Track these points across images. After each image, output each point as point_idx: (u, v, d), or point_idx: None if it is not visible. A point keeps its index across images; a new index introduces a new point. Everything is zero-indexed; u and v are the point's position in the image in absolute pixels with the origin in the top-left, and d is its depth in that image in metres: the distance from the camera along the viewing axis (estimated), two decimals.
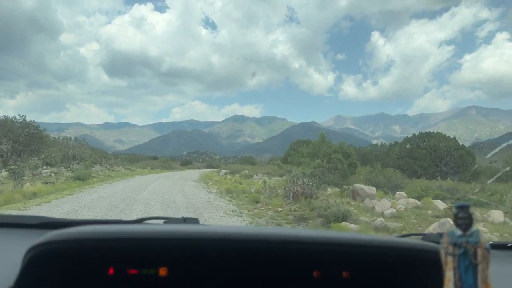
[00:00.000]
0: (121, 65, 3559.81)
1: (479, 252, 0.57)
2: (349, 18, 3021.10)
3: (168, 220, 1.53)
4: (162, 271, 0.90)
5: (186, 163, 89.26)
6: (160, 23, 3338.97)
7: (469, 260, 0.57)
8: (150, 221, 1.54)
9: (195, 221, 1.51)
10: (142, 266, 0.90)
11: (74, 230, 0.83)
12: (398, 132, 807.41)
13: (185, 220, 1.49)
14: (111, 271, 0.90)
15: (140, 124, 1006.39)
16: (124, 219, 2.08)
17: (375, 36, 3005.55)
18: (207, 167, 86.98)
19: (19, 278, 0.81)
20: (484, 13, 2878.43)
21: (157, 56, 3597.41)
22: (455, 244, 0.58)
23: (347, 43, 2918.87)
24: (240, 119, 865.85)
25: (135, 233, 0.84)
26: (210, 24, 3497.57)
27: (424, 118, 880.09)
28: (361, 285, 0.99)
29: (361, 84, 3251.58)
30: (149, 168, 52.89)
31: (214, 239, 0.86)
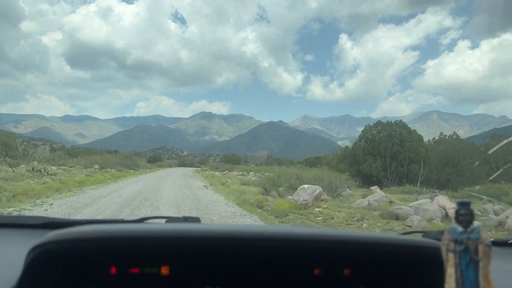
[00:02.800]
0: (85, 56, 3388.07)
1: (480, 248, 0.57)
2: (319, 20, 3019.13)
3: (170, 219, 1.51)
4: (164, 270, 0.91)
5: (154, 160, 78.87)
6: (127, 14, 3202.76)
7: (470, 257, 0.57)
8: (151, 221, 1.53)
9: (196, 220, 1.49)
10: (144, 265, 0.91)
11: (76, 230, 0.83)
12: None
13: (186, 219, 1.48)
14: (113, 270, 0.90)
15: (103, 118, 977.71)
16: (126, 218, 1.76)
17: (343, 39, 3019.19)
18: (179, 165, 79.54)
19: (21, 278, 0.82)
20: (448, 21, 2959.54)
21: (123, 48, 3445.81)
22: (456, 241, 0.58)
23: (316, 44, 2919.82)
24: (208, 116, 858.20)
25: (136, 232, 0.84)
26: (179, 19, 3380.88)
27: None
28: (363, 282, 0.99)
29: (328, 85, 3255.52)
30: (95, 167, 33.22)
31: (215, 238, 0.86)
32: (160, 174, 36.77)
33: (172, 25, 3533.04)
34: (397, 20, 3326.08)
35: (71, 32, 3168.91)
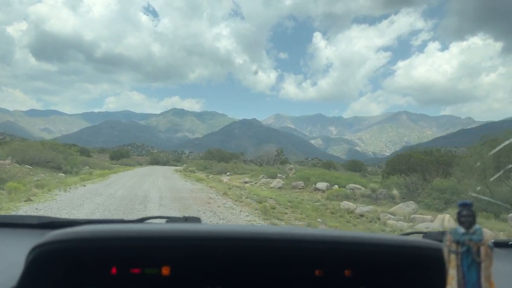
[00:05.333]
0: (51, 48, 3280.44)
1: (482, 249, 0.57)
2: (293, 18, 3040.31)
3: (170, 219, 1.51)
4: (165, 270, 0.92)
5: (119, 156, 66.39)
6: (97, 5, 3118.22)
7: (472, 258, 0.57)
8: (152, 221, 1.53)
9: (197, 220, 1.48)
10: (145, 266, 0.92)
11: (77, 230, 0.84)
12: (334, 133, 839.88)
13: (186, 219, 1.48)
14: (113, 270, 0.91)
15: (70, 113, 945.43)
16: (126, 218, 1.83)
17: (317, 37, 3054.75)
18: (152, 163, 68.04)
19: (22, 278, 0.82)
20: (420, 23, 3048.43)
21: (92, 40, 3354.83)
22: (458, 242, 0.58)
23: (290, 42, 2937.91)
24: (180, 112, 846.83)
25: (137, 232, 0.84)
26: (151, 12, 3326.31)
27: (358, 121, 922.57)
28: (364, 283, 0.99)
29: (301, 84, 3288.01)
30: None
31: (215, 238, 0.86)
32: (110, 190, 15.43)
33: (144, 18, 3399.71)
34: (371, 20, 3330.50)
35: (38, 22, 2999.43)
